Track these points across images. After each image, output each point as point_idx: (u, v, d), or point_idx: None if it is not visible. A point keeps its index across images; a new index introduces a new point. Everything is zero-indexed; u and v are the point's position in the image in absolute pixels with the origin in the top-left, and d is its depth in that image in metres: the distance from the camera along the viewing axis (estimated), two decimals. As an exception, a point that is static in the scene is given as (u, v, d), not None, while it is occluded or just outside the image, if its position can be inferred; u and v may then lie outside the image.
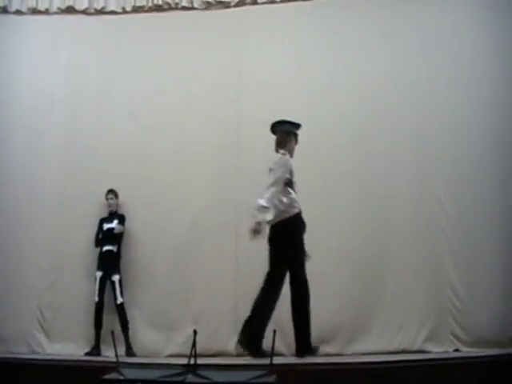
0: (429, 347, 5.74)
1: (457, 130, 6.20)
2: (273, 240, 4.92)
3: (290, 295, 4.99)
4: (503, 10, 6.38)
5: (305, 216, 5.75)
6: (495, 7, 6.40)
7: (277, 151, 5.18)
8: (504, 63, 6.25)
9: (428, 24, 6.49)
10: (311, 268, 6.06)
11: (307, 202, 6.11)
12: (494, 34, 6.35)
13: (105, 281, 6.24)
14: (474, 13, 6.48)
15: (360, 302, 5.97)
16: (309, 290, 4.97)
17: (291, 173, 5.08)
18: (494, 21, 6.38)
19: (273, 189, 4.82)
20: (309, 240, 6.03)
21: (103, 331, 6.09)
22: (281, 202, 4.87)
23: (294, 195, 5.00)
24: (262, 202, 4.70)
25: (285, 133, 5.27)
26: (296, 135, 5.32)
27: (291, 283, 4.95)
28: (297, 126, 5.34)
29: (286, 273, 4.94)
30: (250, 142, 6.40)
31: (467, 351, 5.64)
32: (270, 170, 4.99)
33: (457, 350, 5.73)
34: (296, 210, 4.93)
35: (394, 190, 6.17)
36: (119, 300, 6.17)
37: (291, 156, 5.22)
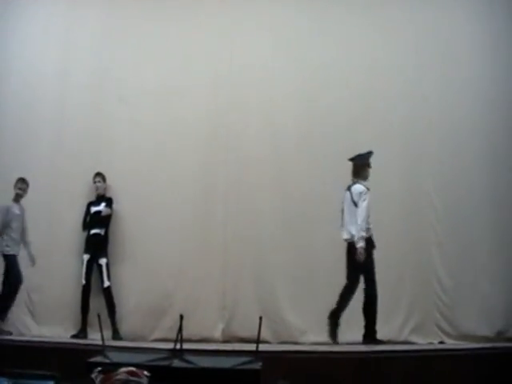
0: (414, 339, 5.81)
1: (446, 127, 6.26)
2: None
3: (364, 293, 5.46)
4: (497, 9, 6.41)
5: (296, 213, 5.86)
6: (490, 6, 6.42)
7: (354, 180, 5.70)
8: (496, 62, 6.31)
9: (421, 21, 6.50)
10: (300, 258, 6.14)
11: (303, 192, 6.19)
12: (487, 33, 6.40)
13: (92, 264, 6.22)
14: (468, 12, 6.50)
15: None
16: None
17: None
18: (488, 20, 6.42)
19: (366, 219, 5.48)
20: (305, 235, 6.11)
21: (90, 314, 6.08)
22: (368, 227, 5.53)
23: None
24: (363, 233, 5.42)
25: (360, 165, 5.68)
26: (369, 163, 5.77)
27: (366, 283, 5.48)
28: (370, 154, 5.73)
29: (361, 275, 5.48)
30: (240, 129, 6.42)
31: (452, 343, 5.70)
32: (354, 201, 5.55)
33: (442, 343, 5.79)
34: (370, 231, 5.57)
35: (383, 184, 6.18)
36: (106, 283, 6.16)
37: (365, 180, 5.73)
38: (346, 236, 5.56)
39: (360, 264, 5.38)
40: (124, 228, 6.47)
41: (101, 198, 6.42)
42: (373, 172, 6.18)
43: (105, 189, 6.47)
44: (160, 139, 6.53)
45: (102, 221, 6.33)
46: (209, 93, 6.55)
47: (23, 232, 6.21)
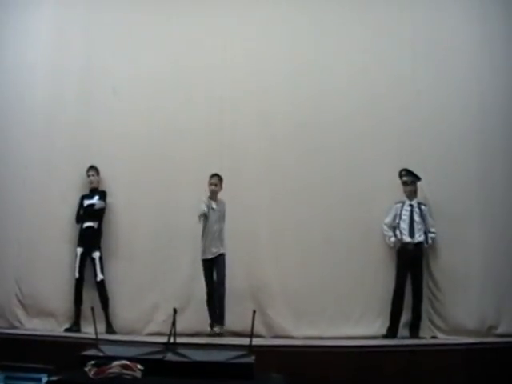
0: (406, 333, 5.82)
1: (438, 124, 6.27)
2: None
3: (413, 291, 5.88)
4: (491, 5, 6.40)
5: (289, 206, 5.98)
6: (483, 6, 6.42)
7: (412, 198, 6.09)
8: (490, 58, 6.30)
9: (416, 18, 6.48)
10: (293, 252, 6.16)
11: (297, 190, 6.19)
12: (481, 29, 6.38)
13: (85, 257, 6.20)
14: (461, 9, 6.48)
15: (341, 288, 6.03)
16: None
17: None
18: (481, 16, 6.40)
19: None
20: (298, 228, 6.12)
21: (83, 308, 6.07)
22: None
23: None
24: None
25: (416, 183, 6.11)
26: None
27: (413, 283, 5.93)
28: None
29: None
30: (235, 120, 6.40)
31: (444, 338, 5.73)
32: (424, 214, 6.04)
33: (434, 337, 5.81)
34: None
35: (376, 179, 6.20)
36: (99, 277, 6.15)
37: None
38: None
39: None
40: (117, 221, 6.45)
41: (94, 191, 6.41)
42: (366, 166, 6.23)
43: (98, 182, 6.45)
44: (154, 133, 6.51)
45: (96, 214, 6.32)
46: (204, 84, 6.51)
47: None
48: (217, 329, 5.69)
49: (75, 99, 6.67)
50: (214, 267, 5.89)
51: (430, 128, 6.26)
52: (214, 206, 5.98)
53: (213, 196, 6.02)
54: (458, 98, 6.28)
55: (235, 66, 6.53)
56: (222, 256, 5.88)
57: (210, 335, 5.68)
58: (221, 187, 6.04)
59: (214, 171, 5.99)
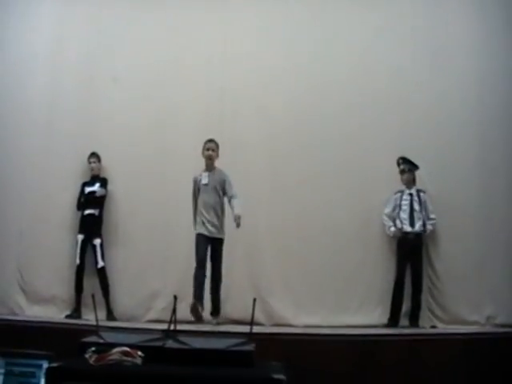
0: (406, 323, 5.84)
1: (438, 118, 6.26)
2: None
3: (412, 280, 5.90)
4: (491, 1, 6.38)
5: (289, 197, 6.04)
6: (482, 3, 6.40)
7: (411, 187, 6.08)
8: (489, 55, 6.29)
9: (415, 15, 6.45)
10: (293, 241, 6.17)
11: (297, 181, 6.19)
12: (481, 26, 6.37)
13: (86, 244, 6.21)
14: (461, 6, 6.46)
15: (340, 277, 6.05)
16: None
17: None
18: (481, 13, 6.39)
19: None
20: (298, 218, 6.11)
21: (84, 295, 6.09)
22: None
23: None
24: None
25: (413, 172, 6.11)
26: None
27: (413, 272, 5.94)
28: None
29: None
30: (235, 111, 6.39)
31: (444, 328, 5.75)
32: (424, 201, 6.03)
33: (433, 327, 5.83)
34: None
35: (376, 170, 6.21)
36: (100, 264, 6.16)
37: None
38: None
39: None
40: (118, 209, 6.46)
41: (95, 178, 6.40)
42: (366, 157, 6.22)
43: (99, 169, 6.45)
44: (155, 121, 6.49)
45: (97, 201, 6.32)
46: (205, 75, 6.49)
47: None
48: (213, 320, 5.58)
49: (76, 87, 6.63)
50: (208, 249, 5.56)
51: (429, 119, 6.27)
52: (207, 177, 5.63)
53: (209, 164, 5.71)
54: (458, 89, 6.28)
55: (236, 58, 6.50)
56: (220, 241, 5.62)
57: (209, 323, 5.54)
58: (217, 154, 5.71)
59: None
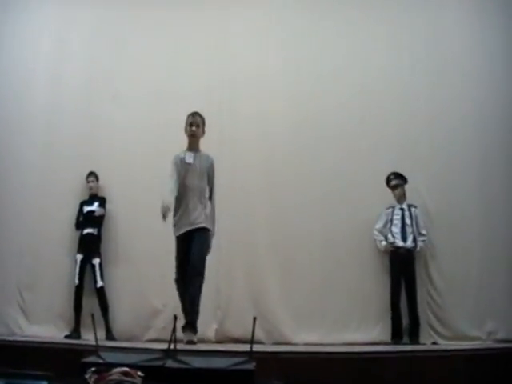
0: (407, 340, 5.80)
1: (436, 125, 6.29)
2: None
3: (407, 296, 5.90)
4: (491, 12, 6.44)
5: (289, 205, 5.94)
6: (483, 9, 6.45)
7: (402, 201, 6.10)
8: (489, 62, 6.33)
9: (414, 22, 6.52)
10: (293, 258, 6.15)
11: (298, 189, 6.19)
12: (480, 34, 6.42)
13: (85, 264, 6.21)
14: (460, 12, 6.51)
15: (341, 294, 6.03)
16: None
17: None
18: (480, 20, 6.44)
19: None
20: (297, 236, 6.09)
21: (83, 314, 6.07)
22: None
23: None
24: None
25: (404, 186, 6.13)
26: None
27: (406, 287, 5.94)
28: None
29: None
30: (235, 114, 6.44)
31: (445, 344, 5.72)
32: (417, 218, 6.04)
33: (434, 343, 5.80)
34: None
35: (374, 181, 6.21)
36: (99, 283, 6.15)
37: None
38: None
39: None
40: (117, 228, 6.46)
41: (94, 197, 6.42)
42: (363, 169, 6.23)
43: (98, 188, 6.46)
44: (153, 139, 6.50)
45: (95, 220, 6.32)
46: (202, 94, 6.50)
47: None
48: (187, 336, 4.56)
49: (75, 107, 6.68)
50: (188, 245, 4.55)
51: (429, 135, 6.29)
52: (192, 158, 4.67)
53: (192, 142, 4.76)
54: (458, 103, 6.30)
55: (234, 68, 6.57)
56: (202, 230, 4.57)
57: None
58: (203, 131, 4.76)
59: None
